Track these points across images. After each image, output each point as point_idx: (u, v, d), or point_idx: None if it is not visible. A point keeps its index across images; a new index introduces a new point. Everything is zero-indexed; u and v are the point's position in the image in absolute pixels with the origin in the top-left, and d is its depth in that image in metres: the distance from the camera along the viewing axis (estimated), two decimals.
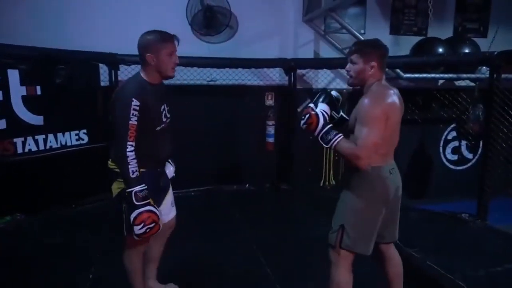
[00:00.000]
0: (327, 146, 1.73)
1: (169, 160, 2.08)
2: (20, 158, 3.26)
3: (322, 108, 1.79)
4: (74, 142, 3.70)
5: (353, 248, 1.78)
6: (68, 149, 3.63)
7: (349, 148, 1.67)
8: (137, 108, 1.69)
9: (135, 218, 1.70)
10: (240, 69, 4.39)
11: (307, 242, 2.91)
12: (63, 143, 3.60)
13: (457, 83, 4.78)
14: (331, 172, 4.74)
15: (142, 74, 1.83)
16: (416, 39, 4.66)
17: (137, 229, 1.71)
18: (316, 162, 4.70)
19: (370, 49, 1.76)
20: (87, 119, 3.79)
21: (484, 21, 5.16)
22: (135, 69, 4.00)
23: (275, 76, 4.62)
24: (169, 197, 2.07)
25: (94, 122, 3.85)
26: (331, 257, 1.84)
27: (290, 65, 4.35)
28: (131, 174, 1.69)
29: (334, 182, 4.72)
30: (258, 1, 4.48)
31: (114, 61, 3.91)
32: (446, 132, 5.12)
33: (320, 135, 1.73)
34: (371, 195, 1.76)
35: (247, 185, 4.57)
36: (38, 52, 3.34)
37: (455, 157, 5.24)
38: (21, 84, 3.23)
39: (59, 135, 3.56)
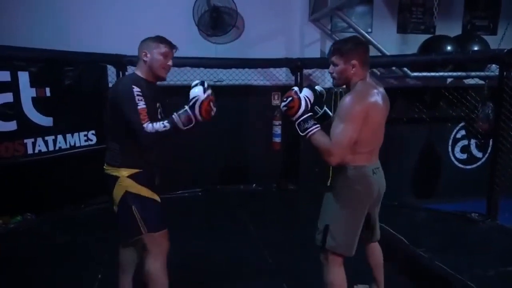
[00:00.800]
0: (302, 135, 1.68)
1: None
2: (30, 159, 3.31)
3: (306, 93, 1.74)
4: (83, 143, 3.74)
5: (336, 249, 1.77)
6: (77, 150, 3.68)
7: (323, 142, 1.63)
8: (140, 93, 1.71)
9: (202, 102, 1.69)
10: (246, 69, 4.40)
11: (313, 241, 2.90)
12: (72, 143, 3.65)
13: (466, 81, 4.73)
14: None
15: (137, 72, 1.89)
16: (424, 37, 4.61)
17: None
18: (323, 162, 4.67)
19: (349, 48, 1.73)
20: (95, 120, 3.83)
21: (493, 18, 5.09)
22: None
23: (282, 76, 4.62)
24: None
25: (102, 123, 3.88)
26: (321, 258, 1.84)
27: (296, 65, 4.34)
28: (170, 128, 1.67)
29: None
30: (264, 1, 4.48)
31: (121, 62, 3.94)
32: (455, 131, 5.06)
33: (298, 121, 1.68)
34: (354, 194, 1.75)
35: (254, 185, 4.57)
36: (48, 54, 3.40)
37: (464, 156, 5.17)
38: (31, 86, 3.29)
39: (68, 136, 3.61)
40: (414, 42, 4.62)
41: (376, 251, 2.05)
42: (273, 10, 4.51)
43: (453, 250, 2.77)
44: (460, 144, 5.13)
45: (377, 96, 1.70)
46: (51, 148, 3.47)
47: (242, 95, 4.50)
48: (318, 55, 4.60)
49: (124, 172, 1.83)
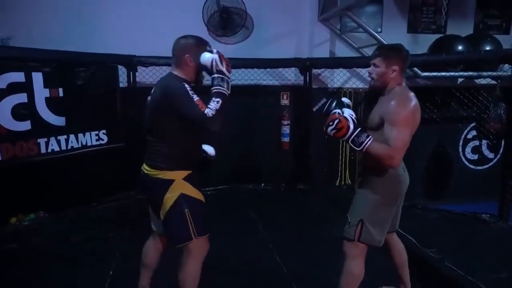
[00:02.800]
0: (358, 149, 1.76)
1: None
2: (43, 158, 3.37)
3: (349, 112, 1.83)
4: (94, 142, 3.79)
5: (371, 241, 1.88)
6: (89, 149, 3.73)
7: (382, 149, 1.72)
8: (191, 89, 1.75)
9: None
10: (256, 69, 4.42)
11: (323, 241, 2.91)
12: (84, 143, 3.70)
13: (478, 81, 4.68)
14: (347, 171, 4.71)
15: (177, 73, 1.86)
16: (434, 37, 4.58)
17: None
18: (332, 161, 4.68)
19: (393, 53, 1.84)
20: (107, 119, 3.89)
21: (506, 17, 5.02)
22: (152, 70, 4.13)
23: (291, 76, 4.63)
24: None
25: (113, 123, 3.94)
26: (347, 250, 1.93)
27: (305, 65, 4.34)
28: (222, 99, 1.72)
29: (350, 182, 4.69)
30: (273, 1, 4.49)
31: (132, 63, 3.99)
32: (465, 131, 5.01)
33: (352, 138, 1.76)
34: (390, 191, 1.87)
35: (263, 184, 4.59)
36: (60, 55, 3.45)
37: (475, 157, 5.11)
38: (45, 87, 3.34)
39: (80, 135, 3.66)
40: (425, 42, 4.58)
41: (398, 244, 2.13)
42: (282, 10, 4.52)
43: (464, 251, 2.74)
44: (471, 144, 5.08)
45: (417, 100, 1.80)
46: (63, 147, 3.52)
47: (251, 95, 4.51)
48: (327, 55, 4.60)
49: (179, 175, 1.82)
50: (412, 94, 1.80)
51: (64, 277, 2.49)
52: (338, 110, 1.84)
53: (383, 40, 4.00)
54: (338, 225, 2.06)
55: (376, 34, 4.05)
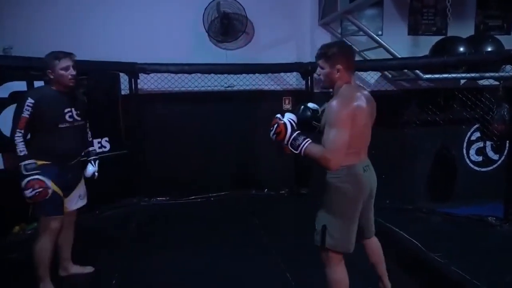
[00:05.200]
0: (296, 152, 1.77)
1: (91, 161, 2.60)
2: None
3: (288, 117, 1.85)
4: (97, 150, 3.78)
5: (336, 247, 1.85)
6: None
7: (318, 151, 1.71)
8: (31, 105, 2.15)
9: (25, 184, 2.11)
10: (257, 75, 4.42)
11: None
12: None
13: (480, 82, 4.66)
14: None
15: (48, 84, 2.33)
16: (435, 38, 4.57)
17: (28, 193, 2.11)
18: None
19: (334, 52, 1.80)
20: (109, 127, 3.89)
21: (507, 18, 5.01)
22: (154, 77, 4.14)
23: (292, 80, 4.63)
24: (78, 191, 2.48)
25: (115, 130, 3.95)
26: (322, 258, 1.92)
27: (307, 69, 4.34)
28: (19, 153, 2.12)
29: None
30: (273, 7, 4.50)
31: (134, 70, 4.01)
32: (469, 133, 4.98)
33: (290, 142, 1.78)
34: (348, 193, 1.83)
35: (266, 189, 4.57)
36: None
37: (480, 159, 5.08)
38: None
39: None
40: (426, 44, 4.57)
41: (373, 246, 2.11)
42: (283, 15, 4.53)
43: (470, 255, 2.70)
44: (475, 146, 5.05)
45: (361, 98, 1.79)
46: None
47: (253, 100, 4.52)
48: None
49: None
50: (357, 93, 1.79)
51: (68, 286, 2.48)
52: (279, 115, 1.87)
53: (383, 43, 4.00)
54: None
55: (377, 37, 4.05)
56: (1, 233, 3.18)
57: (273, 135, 1.84)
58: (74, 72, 2.31)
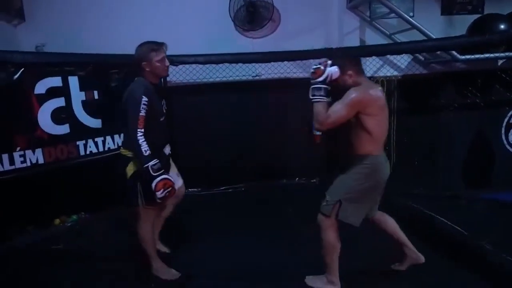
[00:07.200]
0: (310, 98, 2.08)
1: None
2: (82, 160, 3.44)
3: (332, 70, 2.10)
4: None
5: (347, 219, 2.12)
6: None
7: (321, 112, 2.04)
8: (146, 103, 2.16)
9: (155, 185, 2.10)
10: (285, 62, 4.34)
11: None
12: (119, 144, 3.74)
13: None
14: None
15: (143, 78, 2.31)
16: (471, 18, 4.34)
17: (159, 194, 2.11)
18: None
19: (346, 62, 2.15)
20: None
21: None
22: (182, 69, 4.14)
23: None
24: (173, 171, 2.55)
25: None
26: (321, 224, 2.18)
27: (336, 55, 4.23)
28: (144, 153, 2.09)
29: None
30: None
31: None
32: (508, 115, 4.74)
33: (313, 86, 2.09)
34: (372, 178, 2.13)
35: (297, 178, 4.53)
36: (94, 58, 3.52)
37: None
38: (80, 90, 3.41)
39: (116, 136, 3.71)
40: (461, 24, 4.35)
41: (381, 218, 2.37)
42: (309, 1, 4.42)
43: None
44: None
45: (376, 91, 2.09)
46: (101, 149, 3.59)
47: (281, 88, 4.45)
48: (357, 44, 4.46)
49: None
50: (370, 87, 2.09)
51: (111, 276, 2.55)
52: (329, 62, 2.14)
53: (417, 24, 3.83)
54: None
55: (410, 19, 3.88)
56: (43, 226, 3.28)
57: (312, 69, 2.13)
58: (168, 63, 2.34)
